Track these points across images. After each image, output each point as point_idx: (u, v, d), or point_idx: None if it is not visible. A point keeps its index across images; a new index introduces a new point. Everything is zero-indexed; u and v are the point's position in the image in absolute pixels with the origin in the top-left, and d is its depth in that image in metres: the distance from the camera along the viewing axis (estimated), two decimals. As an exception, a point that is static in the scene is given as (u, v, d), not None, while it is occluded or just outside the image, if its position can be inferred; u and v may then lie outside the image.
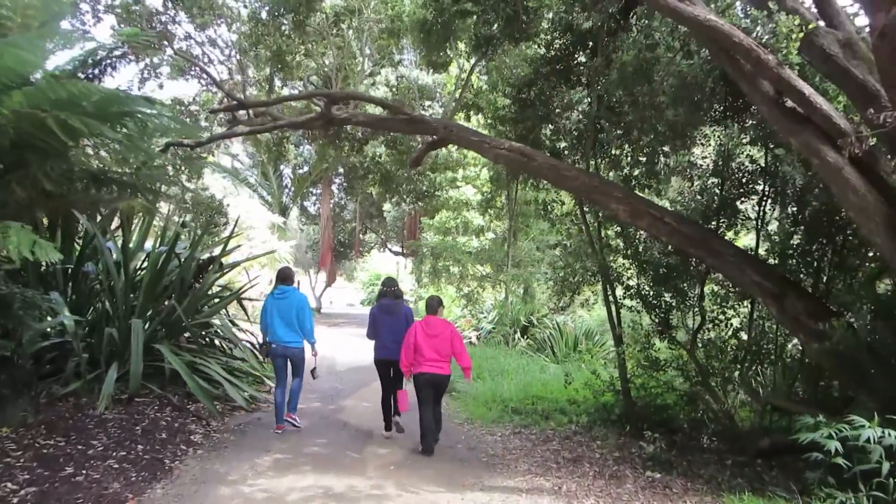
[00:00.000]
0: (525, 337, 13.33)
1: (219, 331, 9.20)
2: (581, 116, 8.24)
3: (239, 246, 12.74)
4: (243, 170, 26.32)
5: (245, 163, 26.67)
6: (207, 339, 9.18)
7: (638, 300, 7.21)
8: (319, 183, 27.56)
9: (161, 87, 9.97)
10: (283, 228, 24.92)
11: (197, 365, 7.82)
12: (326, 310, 32.48)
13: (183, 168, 12.24)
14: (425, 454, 5.99)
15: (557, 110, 8.38)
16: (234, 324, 10.14)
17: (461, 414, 7.99)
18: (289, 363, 6.79)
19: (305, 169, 26.30)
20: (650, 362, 6.88)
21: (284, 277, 6.95)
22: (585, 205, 7.60)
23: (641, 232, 7.09)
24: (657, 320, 7.06)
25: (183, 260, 8.20)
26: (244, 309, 10.27)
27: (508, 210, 12.15)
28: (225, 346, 9.32)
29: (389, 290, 6.93)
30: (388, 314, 6.66)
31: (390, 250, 37.17)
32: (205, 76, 10.20)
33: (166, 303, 8.19)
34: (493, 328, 14.87)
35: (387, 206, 23.63)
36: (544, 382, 9.08)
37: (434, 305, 6.42)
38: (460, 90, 9.93)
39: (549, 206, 8.58)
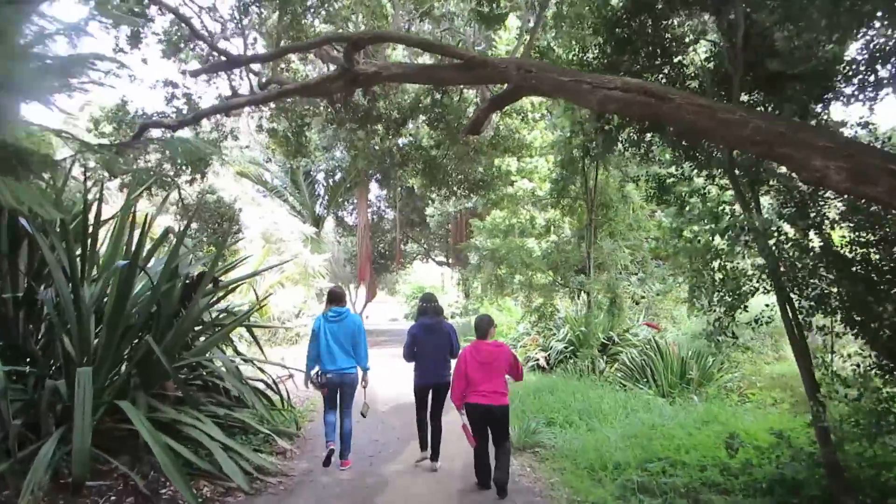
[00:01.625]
0: (604, 358, 10.73)
1: (221, 370, 6.90)
2: (713, 50, 5.73)
3: (247, 257, 10.51)
4: (272, 178, 24.31)
5: (273, 170, 24.68)
6: (208, 383, 6.95)
7: (842, 315, 4.58)
8: (355, 190, 25.46)
9: (145, 61, 7.75)
10: (316, 240, 22.82)
11: (181, 425, 5.56)
12: (367, 325, 30.29)
13: (184, 167, 10.12)
14: (500, 495, 5.20)
15: (673, 46, 5.91)
16: (248, 359, 7.93)
17: (560, 492, 5.42)
18: (338, 392, 6.14)
19: (339, 175, 24.21)
20: (874, 416, 4.23)
21: (338, 298, 6.34)
22: (743, 173, 5.06)
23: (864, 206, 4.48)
24: (879, 349, 4.41)
25: (158, 278, 5.87)
26: (255, 339, 7.96)
27: (586, 201, 9.61)
28: (234, 387, 7.00)
29: (430, 307, 6.34)
30: (429, 333, 6.17)
31: (434, 260, 34.83)
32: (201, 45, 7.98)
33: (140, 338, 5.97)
34: (566, 348, 12.27)
35: (430, 210, 21.19)
36: (666, 433, 6.46)
37: (484, 328, 5.65)
38: (525, 41, 7.46)
39: (665, 184, 6.06)
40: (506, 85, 5.76)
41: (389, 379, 11.12)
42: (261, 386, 7.64)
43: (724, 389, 8.80)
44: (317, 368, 6.15)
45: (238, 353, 8.30)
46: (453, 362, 6.00)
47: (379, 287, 36.91)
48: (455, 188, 10.44)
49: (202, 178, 10.37)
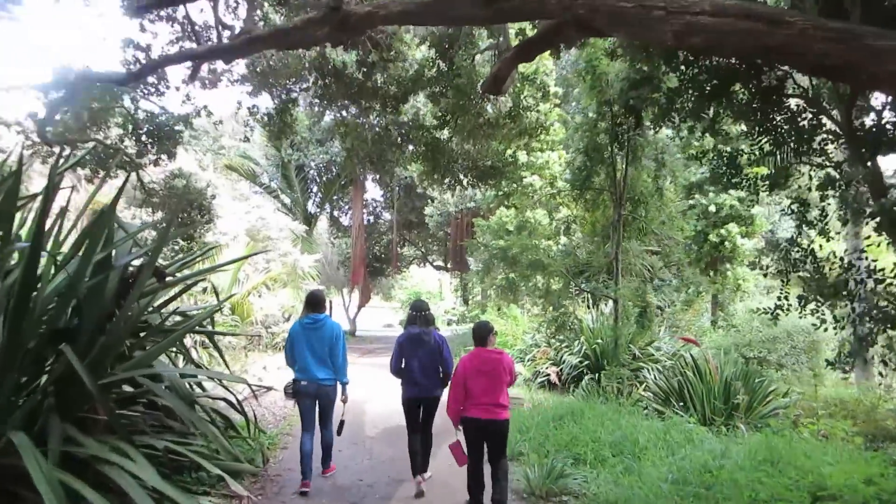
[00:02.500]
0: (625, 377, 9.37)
1: (161, 388, 5.48)
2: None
3: (211, 248, 9.17)
4: (262, 173, 22.86)
5: (262, 164, 23.22)
6: (157, 405, 5.56)
7: None
8: (350, 188, 24.09)
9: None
10: (307, 239, 21.43)
11: (103, 463, 4.19)
12: (359, 332, 28.95)
13: (150, 145, 8.80)
14: None
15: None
16: (208, 374, 6.57)
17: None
18: (316, 406, 5.70)
19: (335, 172, 22.82)
20: None
21: (316, 303, 5.87)
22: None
23: None
24: None
25: (77, 267, 4.48)
26: (217, 348, 6.57)
27: (612, 194, 8.26)
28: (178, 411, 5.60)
29: (419, 316, 5.78)
30: (417, 345, 5.67)
31: (432, 265, 33.43)
32: None
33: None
34: (581, 363, 10.92)
35: (429, 210, 19.75)
36: (726, 477, 5.08)
37: (484, 335, 5.16)
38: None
39: (737, 161, 4.75)
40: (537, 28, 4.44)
41: (380, 393, 9.76)
42: (225, 405, 6.24)
43: (776, 417, 7.44)
44: (292, 378, 5.76)
45: (198, 366, 6.92)
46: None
47: (374, 291, 35.52)
48: (461, 176, 9.01)
49: (170, 158, 9.01)
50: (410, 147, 8.66)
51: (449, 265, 30.38)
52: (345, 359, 5.78)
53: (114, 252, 5.02)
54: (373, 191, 31.61)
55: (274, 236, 18.53)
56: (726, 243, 13.00)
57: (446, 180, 8.83)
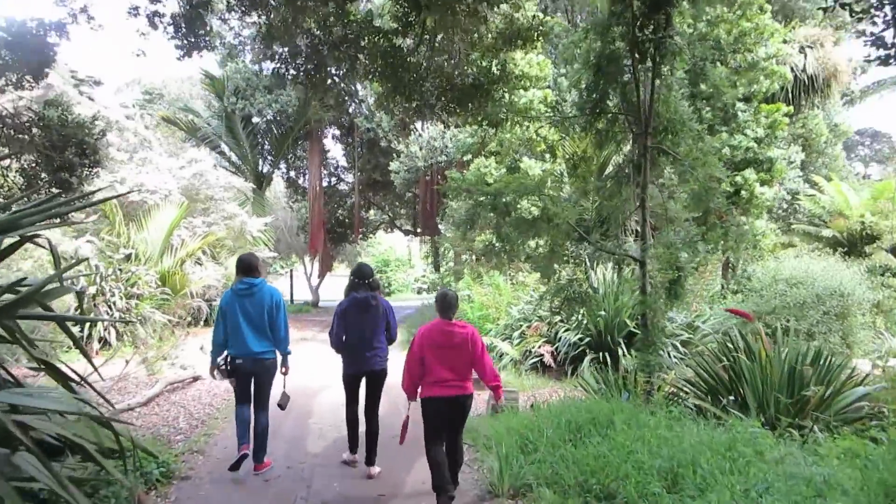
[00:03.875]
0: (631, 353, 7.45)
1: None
2: None
3: (94, 192, 6.93)
4: (203, 126, 20.04)
5: (205, 117, 20.38)
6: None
7: None
8: (307, 142, 21.55)
9: None
10: (259, 200, 18.94)
11: None
12: (325, 302, 26.81)
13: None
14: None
15: None
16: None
17: None
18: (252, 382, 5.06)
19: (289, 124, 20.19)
20: None
21: (248, 267, 5.15)
22: None
23: None
24: None
25: None
26: (72, 337, 4.31)
27: (637, 119, 6.17)
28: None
29: (362, 283, 5.15)
30: (362, 311, 5.08)
31: (400, 229, 31.15)
32: None
33: None
34: (581, 341, 8.98)
35: (394, 166, 17.22)
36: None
37: (449, 304, 4.41)
38: None
39: None
40: None
41: (334, 376, 7.73)
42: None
43: (859, 413, 5.57)
44: (225, 354, 5.03)
45: (40, 363, 4.67)
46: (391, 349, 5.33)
47: (338, 259, 33.23)
48: (432, 99, 6.73)
49: (36, 80, 6.64)
50: (361, 58, 6.38)
51: (418, 229, 28.16)
52: (286, 328, 5.16)
53: None
54: (334, 150, 29.13)
55: (217, 196, 16.06)
56: (743, 192, 11.11)
57: (412, 104, 6.61)
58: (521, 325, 9.67)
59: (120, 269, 11.70)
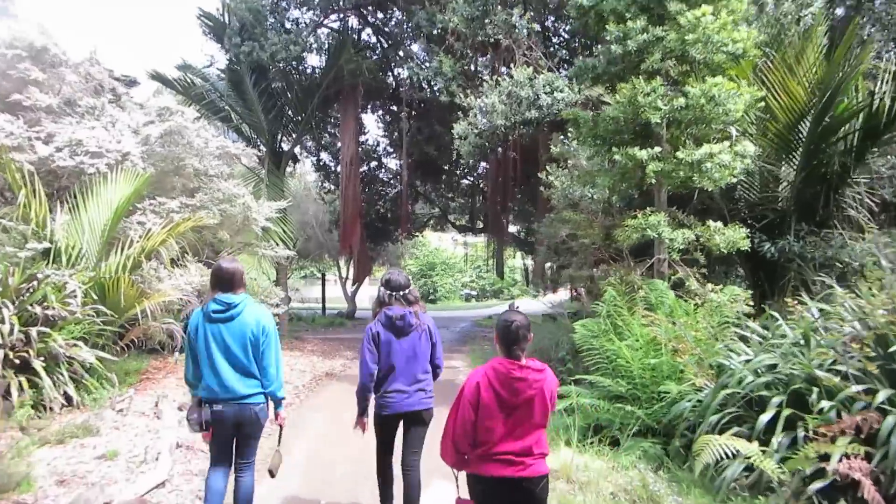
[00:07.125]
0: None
1: None
2: None
3: None
4: (205, 88, 15.25)
5: (212, 77, 15.64)
6: None
7: None
8: (338, 107, 16.60)
9: None
10: (275, 182, 14.10)
11: None
12: (362, 312, 22.15)
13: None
14: None
15: None
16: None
17: None
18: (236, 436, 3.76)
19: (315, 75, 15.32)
20: None
21: (225, 279, 3.68)
22: None
23: None
24: None
25: None
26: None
27: None
28: None
29: (396, 297, 3.90)
30: (397, 333, 3.84)
31: (454, 225, 25.97)
32: None
33: None
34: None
35: (459, 128, 11.67)
36: None
37: (519, 335, 2.77)
38: None
39: None
40: None
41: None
42: None
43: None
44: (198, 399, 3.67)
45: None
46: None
47: (379, 261, 28.38)
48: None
49: None
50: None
51: (478, 225, 22.96)
52: (279, 364, 3.74)
53: None
54: (374, 130, 24.28)
55: (212, 171, 11.24)
56: None
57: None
58: (774, 398, 4.40)
59: (34, 275, 7.00)
